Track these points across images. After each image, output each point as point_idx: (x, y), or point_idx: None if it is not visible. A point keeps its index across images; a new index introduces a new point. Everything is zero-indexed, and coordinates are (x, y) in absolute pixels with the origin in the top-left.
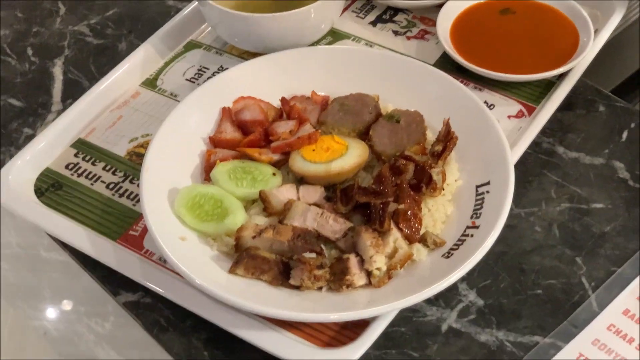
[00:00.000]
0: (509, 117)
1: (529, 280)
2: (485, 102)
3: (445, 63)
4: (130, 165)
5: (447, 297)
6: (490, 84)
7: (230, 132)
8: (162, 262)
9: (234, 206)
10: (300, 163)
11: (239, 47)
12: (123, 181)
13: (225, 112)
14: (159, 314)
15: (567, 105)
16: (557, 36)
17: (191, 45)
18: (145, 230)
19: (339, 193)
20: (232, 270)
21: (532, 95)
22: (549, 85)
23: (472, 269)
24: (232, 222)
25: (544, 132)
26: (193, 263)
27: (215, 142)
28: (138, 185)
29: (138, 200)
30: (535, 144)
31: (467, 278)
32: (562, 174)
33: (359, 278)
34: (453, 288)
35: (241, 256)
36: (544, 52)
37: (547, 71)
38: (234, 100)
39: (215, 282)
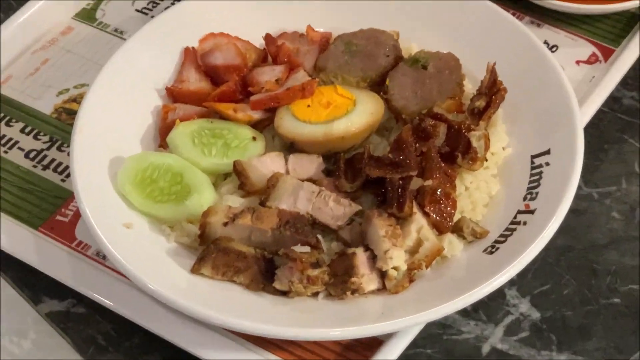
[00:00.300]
0: (578, 62)
1: (603, 285)
2: (545, 42)
3: None
4: (59, 126)
5: (489, 308)
6: (552, 18)
7: (195, 82)
8: (101, 258)
9: (198, 182)
10: (290, 124)
11: None
12: (48, 148)
13: (189, 54)
14: (96, 329)
15: None
16: None
17: None
18: (77, 214)
19: (342, 165)
20: (195, 270)
21: (610, 33)
22: (632, 20)
23: (524, 269)
24: (196, 204)
25: (624, 83)
26: (142, 260)
27: (174, 94)
28: (69, 154)
29: (68, 175)
30: (613, 100)
31: (518, 282)
32: None
33: (368, 281)
34: (498, 295)
35: (208, 250)
36: None
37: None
38: (201, 38)
39: (172, 286)
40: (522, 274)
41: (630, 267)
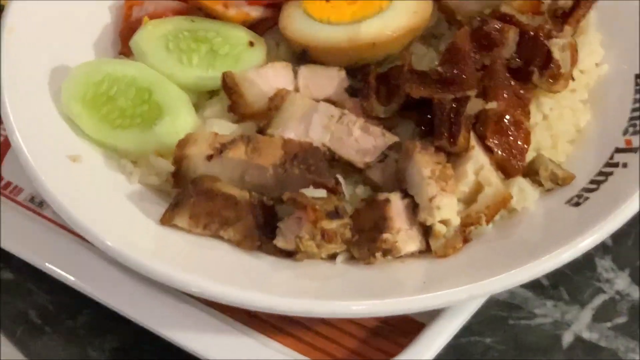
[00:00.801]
0: None
1: None
2: None
3: None
4: None
5: (574, 283)
6: None
7: None
8: (37, 205)
9: (173, 101)
10: (302, 24)
11: None
12: None
13: None
14: (28, 303)
15: None
16: None
17: None
18: (5, 145)
19: (374, 81)
20: (166, 220)
21: None
22: None
23: (622, 230)
24: (168, 130)
25: None
26: (95, 206)
27: None
28: None
29: None
30: None
31: (615, 249)
32: None
33: (406, 238)
34: (586, 266)
35: (185, 194)
36: None
37: None
38: None
39: (135, 242)
40: (619, 238)
41: None
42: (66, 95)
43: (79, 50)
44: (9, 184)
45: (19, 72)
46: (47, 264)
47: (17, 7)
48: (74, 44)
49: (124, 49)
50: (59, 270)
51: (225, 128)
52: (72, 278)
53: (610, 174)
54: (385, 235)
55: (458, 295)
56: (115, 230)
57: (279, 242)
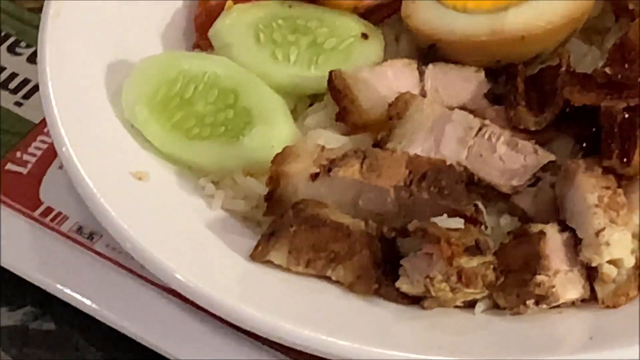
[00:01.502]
0: None
1: None
2: None
3: None
4: (11, 12)
5: None
6: None
7: None
8: (86, 237)
9: (266, 106)
10: (430, 12)
11: None
12: None
13: None
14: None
15: None
16: None
17: None
18: (44, 162)
19: (522, 85)
20: (259, 255)
21: None
22: None
23: None
24: (261, 143)
25: None
26: (166, 236)
27: None
28: (31, 59)
29: (28, 94)
30: None
31: None
32: None
33: (565, 282)
34: None
35: (283, 222)
36: None
37: None
38: None
39: (218, 280)
40: None
41: None
42: (128, 97)
43: (143, 40)
44: (49, 210)
45: (68, 67)
46: (99, 308)
47: None
48: (137, 33)
49: (201, 41)
50: (114, 317)
51: (333, 141)
52: (132, 328)
53: None
54: (540, 278)
55: (633, 354)
56: (194, 266)
57: (403, 285)
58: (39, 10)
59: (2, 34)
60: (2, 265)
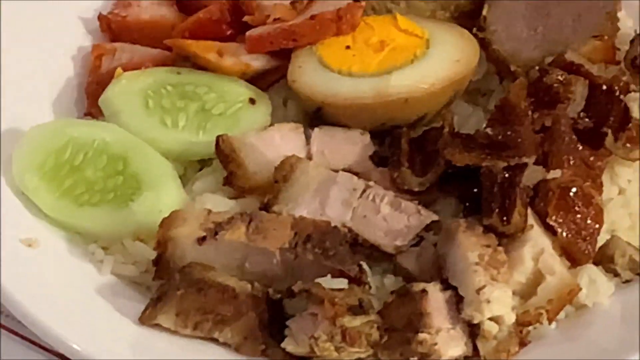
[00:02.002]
0: None
1: None
2: None
3: None
4: None
5: None
6: None
7: (151, 6)
8: None
9: (155, 172)
10: (316, 76)
11: None
12: None
13: None
14: None
15: None
16: None
17: None
18: None
19: (406, 146)
20: (147, 318)
21: None
22: None
23: None
24: (149, 208)
25: None
26: (57, 302)
27: (114, 27)
28: None
29: None
30: None
31: None
32: None
33: (448, 340)
34: None
35: (171, 285)
36: None
37: None
38: None
39: (108, 346)
40: None
41: None
42: (19, 165)
43: (34, 109)
44: None
45: None
46: None
47: None
48: (29, 101)
49: (92, 108)
50: None
51: (221, 204)
52: None
53: None
54: (422, 336)
55: None
56: (84, 333)
57: (289, 345)
58: None
59: None
60: None
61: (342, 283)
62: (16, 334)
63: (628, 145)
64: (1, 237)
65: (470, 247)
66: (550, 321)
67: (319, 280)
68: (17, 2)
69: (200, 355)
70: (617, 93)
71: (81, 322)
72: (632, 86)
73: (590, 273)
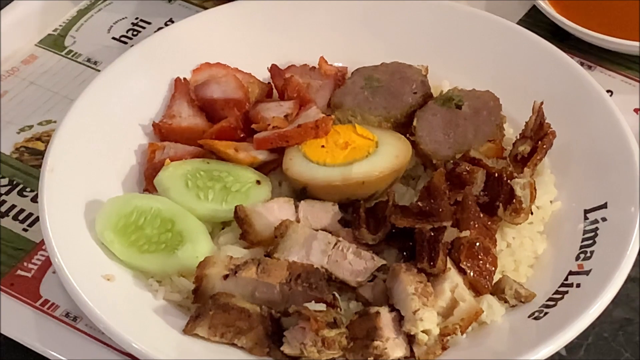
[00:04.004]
0: (637, 110)
1: None
2: None
3: (536, 22)
4: (20, 168)
5: None
6: (607, 60)
7: (189, 117)
8: (71, 320)
9: (193, 230)
10: (301, 166)
11: None
12: (7, 193)
13: (180, 86)
14: None
15: None
16: None
17: None
18: (43, 268)
19: (363, 214)
20: (189, 329)
21: None
22: None
23: (575, 343)
24: (189, 255)
25: None
26: (126, 317)
27: (163, 131)
28: (33, 199)
29: (31, 224)
30: None
31: (569, 356)
32: None
33: (394, 346)
34: None
35: (205, 307)
36: None
37: None
38: (194, 69)
39: (161, 347)
40: (573, 349)
41: None
42: (100, 225)
43: (109, 187)
44: (46, 301)
45: (58, 205)
46: None
47: (56, 150)
48: (105, 182)
49: (149, 186)
50: None
51: (238, 252)
52: None
53: (566, 292)
54: (376, 343)
55: None
56: (144, 338)
57: (286, 349)
58: (39, 166)
59: (15, 181)
60: (12, 338)
61: (322, 306)
62: (96, 339)
63: (513, 214)
64: (88, 274)
65: (409, 282)
66: (462, 333)
67: (306, 304)
68: (90, 110)
69: (224, 355)
70: (505, 179)
71: (142, 331)
72: (515, 174)
73: (489, 300)
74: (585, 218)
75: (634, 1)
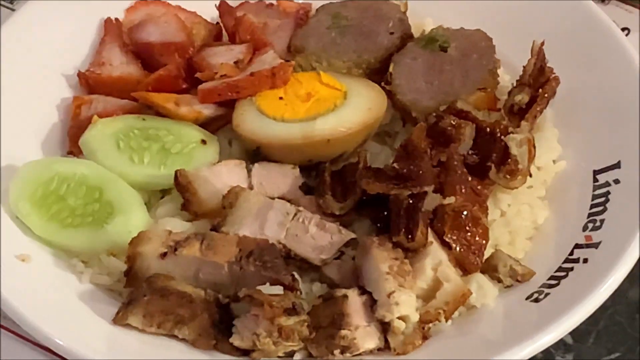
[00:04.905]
0: None
1: None
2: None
3: None
4: None
5: None
6: None
7: (121, 65)
8: None
9: (125, 199)
10: (255, 122)
11: None
12: None
13: (111, 28)
14: None
15: None
16: None
17: None
18: None
19: (328, 178)
20: (120, 319)
21: None
22: None
23: (584, 328)
24: (121, 229)
25: None
26: (45, 306)
27: (90, 82)
28: None
29: None
30: None
31: (576, 347)
32: None
33: (364, 335)
34: None
35: (138, 292)
36: None
37: None
38: (128, 7)
39: (87, 341)
40: (581, 336)
41: None
42: (14, 195)
43: (26, 149)
44: None
45: None
46: None
47: None
48: (20, 143)
49: (73, 148)
50: None
51: (179, 226)
52: None
53: (571, 269)
54: (344, 332)
55: None
56: (67, 331)
57: (236, 340)
58: None
59: None
60: None
61: (278, 290)
62: (14, 332)
63: (507, 176)
64: (1, 254)
65: (382, 259)
66: (446, 319)
67: (259, 287)
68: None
69: (162, 349)
70: (498, 134)
71: (65, 322)
72: (510, 128)
73: (479, 280)
74: (595, 180)
75: None
